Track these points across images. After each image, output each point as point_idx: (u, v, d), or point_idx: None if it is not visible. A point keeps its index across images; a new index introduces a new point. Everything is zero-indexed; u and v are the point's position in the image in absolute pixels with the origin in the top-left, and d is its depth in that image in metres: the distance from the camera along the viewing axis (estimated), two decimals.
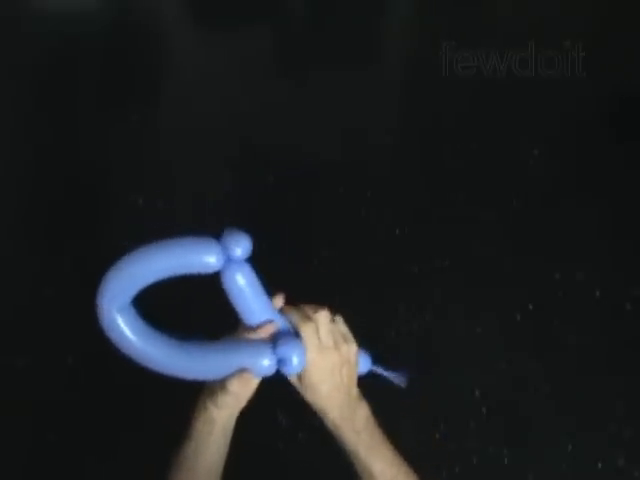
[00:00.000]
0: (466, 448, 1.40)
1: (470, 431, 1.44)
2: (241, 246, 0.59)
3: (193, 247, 0.59)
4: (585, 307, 1.67)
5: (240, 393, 0.62)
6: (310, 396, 0.66)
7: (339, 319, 0.68)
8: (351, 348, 0.66)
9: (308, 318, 0.64)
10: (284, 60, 2.59)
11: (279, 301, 0.67)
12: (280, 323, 0.65)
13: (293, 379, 0.65)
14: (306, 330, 0.63)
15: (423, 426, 1.44)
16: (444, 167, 2.03)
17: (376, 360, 0.73)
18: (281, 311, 0.66)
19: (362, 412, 0.67)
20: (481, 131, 2.13)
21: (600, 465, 1.40)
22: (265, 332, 0.64)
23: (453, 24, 2.53)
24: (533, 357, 1.57)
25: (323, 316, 0.65)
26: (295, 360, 0.61)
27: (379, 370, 0.74)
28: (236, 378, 0.61)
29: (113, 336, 0.61)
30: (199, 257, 0.59)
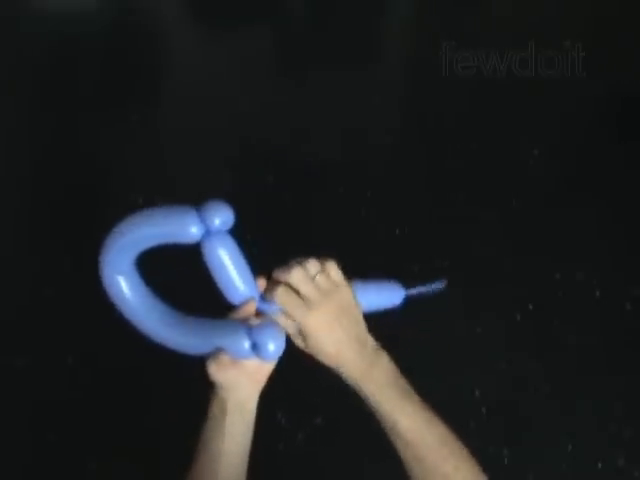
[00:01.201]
0: (466, 448, 1.40)
1: (470, 431, 1.44)
2: (220, 216, 0.56)
3: (173, 217, 0.58)
4: (585, 307, 1.67)
5: (219, 375, 0.60)
6: (321, 358, 0.61)
7: (330, 264, 0.62)
8: (343, 294, 0.62)
9: (279, 283, 0.60)
10: (284, 60, 2.59)
11: (262, 282, 0.63)
12: (260, 302, 0.62)
13: (300, 345, 0.62)
14: (279, 298, 0.60)
15: None
16: (444, 167, 2.03)
17: (407, 284, 0.70)
18: (264, 292, 0.63)
19: (381, 363, 0.61)
20: (481, 131, 2.13)
21: (600, 465, 1.40)
22: (245, 312, 0.61)
23: (453, 24, 2.54)
24: (533, 357, 1.57)
25: (295, 276, 0.59)
26: (271, 346, 0.57)
27: (415, 292, 0.71)
28: (212, 359, 0.59)
29: (111, 294, 0.64)
30: (178, 227, 0.57)
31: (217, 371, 0.60)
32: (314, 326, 0.59)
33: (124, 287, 0.62)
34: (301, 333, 0.61)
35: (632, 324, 1.64)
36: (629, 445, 1.43)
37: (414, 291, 0.71)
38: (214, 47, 2.58)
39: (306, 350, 0.62)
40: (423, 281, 0.71)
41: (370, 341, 0.63)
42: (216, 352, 0.59)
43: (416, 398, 0.62)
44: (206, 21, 2.76)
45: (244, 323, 0.60)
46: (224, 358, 0.59)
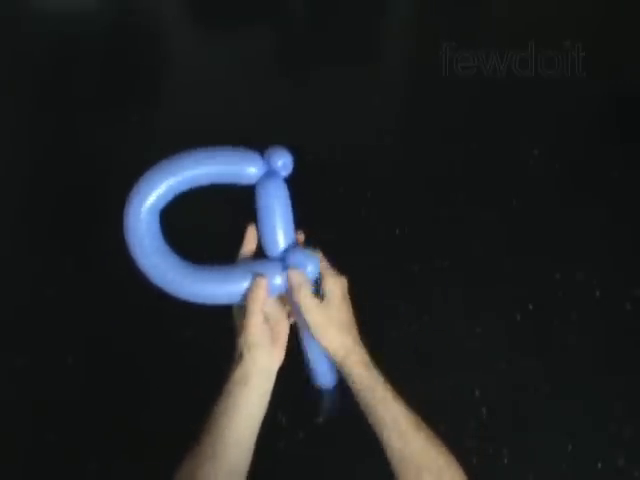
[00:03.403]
0: (466, 448, 1.40)
1: (470, 431, 1.44)
2: (282, 159, 0.61)
3: (236, 156, 0.61)
4: (585, 307, 1.67)
5: (256, 307, 0.61)
6: (337, 322, 0.65)
7: None
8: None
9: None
10: (284, 60, 2.59)
11: (300, 237, 0.68)
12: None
13: (307, 319, 0.64)
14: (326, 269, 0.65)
15: None
16: (444, 167, 2.03)
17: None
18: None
19: (361, 351, 0.66)
20: (481, 131, 2.13)
21: (600, 465, 1.40)
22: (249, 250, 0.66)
23: (453, 24, 2.54)
24: (533, 357, 1.57)
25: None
26: (309, 268, 0.61)
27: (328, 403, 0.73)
28: (250, 288, 0.61)
29: (132, 239, 0.60)
30: (241, 166, 0.61)
31: (258, 294, 0.60)
32: (338, 297, 0.65)
33: (147, 229, 0.61)
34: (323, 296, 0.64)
35: (632, 324, 1.64)
36: (629, 445, 1.43)
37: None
38: (214, 47, 2.58)
39: (320, 313, 0.64)
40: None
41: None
42: (255, 280, 0.61)
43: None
44: (206, 21, 2.76)
45: (276, 260, 0.63)
46: (263, 282, 0.60)
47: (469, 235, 1.82)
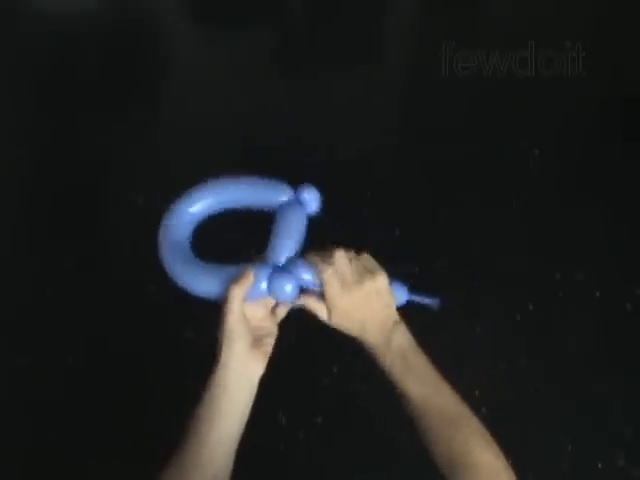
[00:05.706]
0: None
1: None
2: (313, 195, 0.69)
3: (271, 185, 0.70)
4: (585, 307, 1.67)
5: (236, 304, 0.60)
6: (343, 330, 0.67)
7: (365, 255, 0.70)
8: (378, 280, 0.66)
9: (327, 262, 0.64)
10: (284, 60, 2.59)
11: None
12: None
13: (323, 318, 0.65)
14: (325, 275, 0.63)
15: None
16: (444, 167, 2.03)
17: (411, 289, 0.74)
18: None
19: (398, 338, 0.68)
20: (481, 131, 2.13)
21: (600, 465, 1.40)
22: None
23: (453, 24, 2.54)
24: (533, 357, 1.57)
25: (340, 257, 0.65)
26: (305, 276, 0.63)
27: (416, 298, 0.75)
28: (235, 277, 0.61)
29: (166, 230, 0.70)
30: (274, 194, 0.68)
31: (237, 286, 0.60)
32: (345, 304, 0.64)
33: (182, 225, 0.70)
34: (328, 309, 0.65)
35: (632, 324, 1.64)
36: (629, 445, 1.43)
37: (417, 298, 0.75)
38: (214, 47, 2.58)
39: (328, 323, 0.66)
40: (425, 289, 0.75)
41: (392, 320, 0.69)
42: (243, 271, 0.62)
43: (430, 371, 0.69)
44: (206, 21, 2.76)
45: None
46: (249, 273, 0.61)
47: (469, 235, 1.82)
